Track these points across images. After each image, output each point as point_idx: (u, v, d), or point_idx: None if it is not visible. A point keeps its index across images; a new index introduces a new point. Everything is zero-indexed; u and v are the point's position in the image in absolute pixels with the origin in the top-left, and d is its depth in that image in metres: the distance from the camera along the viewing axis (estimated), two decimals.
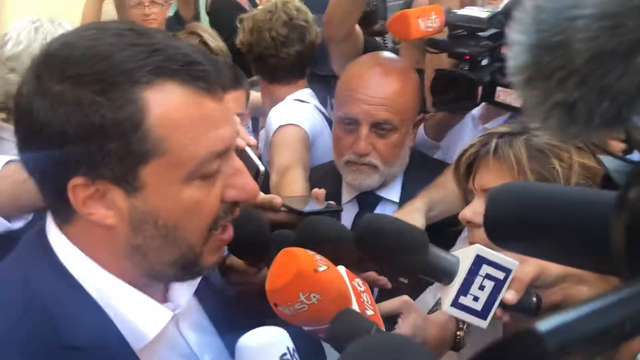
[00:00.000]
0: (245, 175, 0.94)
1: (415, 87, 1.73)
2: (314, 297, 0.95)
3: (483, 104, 1.85)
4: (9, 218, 1.48)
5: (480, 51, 1.58)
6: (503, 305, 1.01)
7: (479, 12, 1.58)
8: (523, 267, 1.01)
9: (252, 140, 1.31)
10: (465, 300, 0.98)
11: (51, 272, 0.89)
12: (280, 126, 2.04)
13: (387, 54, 1.84)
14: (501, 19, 1.64)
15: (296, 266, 0.95)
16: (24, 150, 0.88)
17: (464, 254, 1.00)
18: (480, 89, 1.60)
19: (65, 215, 0.89)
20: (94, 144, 0.81)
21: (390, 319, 1.24)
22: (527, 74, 0.66)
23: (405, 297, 1.25)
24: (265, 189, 1.62)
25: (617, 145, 1.22)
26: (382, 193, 1.75)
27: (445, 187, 1.57)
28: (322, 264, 0.99)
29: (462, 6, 1.75)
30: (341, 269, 1.09)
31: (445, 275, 0.99)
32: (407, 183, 1.76)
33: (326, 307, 0.97)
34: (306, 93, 2.32)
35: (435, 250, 1.00)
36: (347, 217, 1.76)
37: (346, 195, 1.77)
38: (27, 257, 0.93)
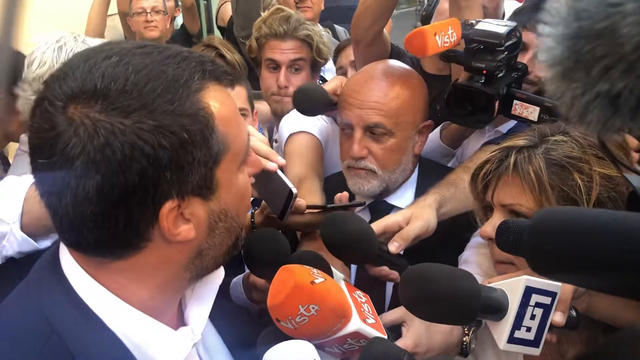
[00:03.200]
0: (252, 152, 1.02)
1: (414, 93, 1.71)
2: (313, 308, 0.99)
3: None
4: (36, 238, 1.50)
5: (496, 66, 1.57)
6: (550, 327, 1.02)
7: (497, 26, 1.58)
8: (563, 286, 1.02)
9: (282, 161, 1.32)
10: (520, 334, 0.98)
11: (67, 303, 0.88)
12: (291, 134, 2.04)
13: (391, 62, 1.84)
14: (518, 28, 1.64)
15: (293, 280, 1.00)
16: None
17: (509, 287, 0.99)
18: (497, 103, 1.60)
19: (121, 252, 0.86)
20: (187, 159, 0.82)
21: (394, 328, 1.27)
22: (564, 66, 0.64)
23: None
24: None
25: (635, 156, 1.22)
26: (394, 201, 1.76)
27: (456, 185, 1.58)
28: (318, 276, 1.04)
29: (485, 16, 1.73)
30: (341, 282, 1.11)
31: (495, 312, 0.98)
32: (420, 191, 1.75)
33: (326, 317, 1.01)
34: None
35: (484, 289, 0.99)
36: None
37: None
38: (41, 287, 0.91)
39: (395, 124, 1.66)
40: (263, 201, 1.46)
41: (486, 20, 1.62)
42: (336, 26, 3.41)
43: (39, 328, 0.85)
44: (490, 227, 1.29)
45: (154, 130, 0.79)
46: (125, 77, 0.80)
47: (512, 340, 0.98)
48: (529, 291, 0.97)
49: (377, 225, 1.38)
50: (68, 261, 0.90)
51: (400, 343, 1.25)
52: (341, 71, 2.82)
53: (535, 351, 1.00)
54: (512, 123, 1.83)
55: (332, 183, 1.85)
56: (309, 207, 1.41)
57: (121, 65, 0.82)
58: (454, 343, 1.28)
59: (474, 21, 1.64)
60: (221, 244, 0.93)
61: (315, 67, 2.46)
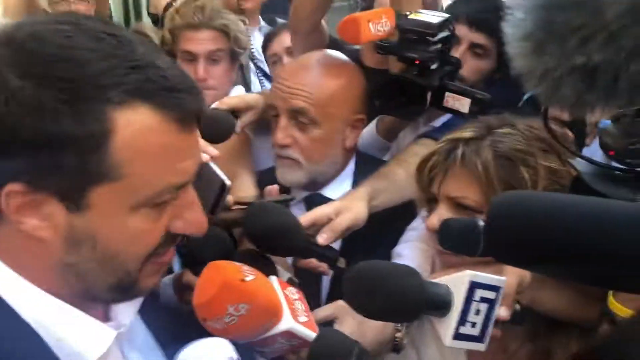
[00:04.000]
0: (197, 209, 0.90)
1: (347, 85, 1.68)
2: (243, 307, 0.95)
3: None
4: None
5: (430, 56, 1.57)
6: (495, 321, 1.01)
7: (431, 17, 1.58)
8: (507, 280, 1.01)
9: (214, 152, 1.26)
10: (465, 330, 0.97)
11: None
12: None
13: (330, 52, 1.80)
14: (451, 21, 1.64)
15: (222, 277, 0.95)
16: None
17: (454, 282, 0.97)
18: (429, 94, 1.60)
19: None
20: (46, 154, 0.74)
21: (327, 325, 1.24)
22: (536, 39, 0.60)
23: (341, 302, 1.23)
24: None
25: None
26: (330, 194, 1.72)
27: (388, 178, 1.57)
28: (249, 274, 0.99)
29: (425, 7, 1.73)
30: (273, 279, 1.08)
31: (440, 308, 0.97)
32: (357, 184, 1.73)
33: (256, 317, 0.97)
34: (238, 90, 2.32)
35: (428, 285, 0.97)
36: None
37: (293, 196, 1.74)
38: None
39: (323, 114, 1.61)
40: None
41: (420, 11, 1.62)
42: (278, 19, 3.37)
43: None
44: (436, 219, 1.28)
45: (29, 106, 0.73)
46: (51, 44, 0.75)
47: (457, 336, 0.96)
48: (473, 286, 0.96)
49: (306, 218, 1.35)
50: None
51: None
52: (275, 58, 2.76)
53: (481, 347, 0.99)
54: (445, 117, 1.83)
55: (266, 177, 1.81)
56: (236, 203, 1.36)
57: (60, 34, 0.76)
58: (386, 340, 1.27)
59: (408, 12, 1.63)
60: (95, 274, 0.84)
61: (234, 57, 2.38)
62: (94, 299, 0.88)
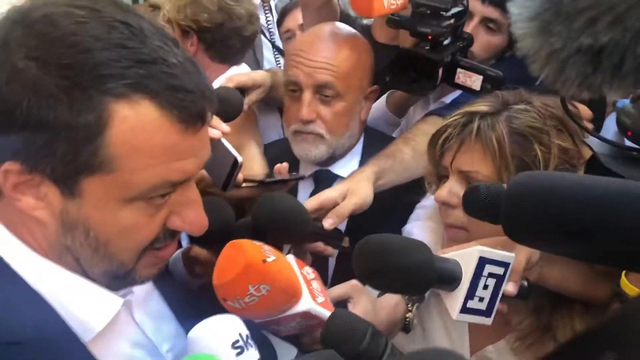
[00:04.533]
0: (198, 208, 0.89)
1: (363, 56, 1.68)
2: (264, 288, 0.95)
3: None
4: None
5: (442, 31, 1.56)
6: (501, 297, 1.02)
7: None
8: (517, 256, 1.02)
9: (226, 128, 1.25)
10: (472, 304, 0.98)
11: None
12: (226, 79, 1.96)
13: (339, 24, 1.78)
14: None
15: (244, 258, 0.94)
16: None
17: (463, 257, 0.98)
18: (440, 70, 1.59)
19: None
20: (41, 138, 0.73)
21: (340, 304, 1.25)
22: (542, 19, 0.59)
23: (354, 282, 1.25)
24: None
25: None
26: (339, 171, 1.72)
27: (395, 157, 1.57)
28: (270, 254, 0.99)
29: None
30: (290, 258, 1.08)
31: (449, 283, 0.97)
32: (364, 161, 1.72)
33: (276, 297, 0.98)
34: (242, 68, 2.27)
35: (438, 260, 0.97)
36: (303, 195, 1.73)
37: (302, 173, 1.73)
38: None
39: (345, 87, 1.62)
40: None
41: None
42: None
43: None
44: (445, 191, 1.28)
45: (31, 86, 0.73)
46: (60, 28, 0.74)
47: (464, 310, 0.97)
48: (482, 262, 0.97)
49: (312, 202, 1.35)
50: None
51: None
52: (289, 34, 2.74)
53: (487, 321, 1.00)
54: (455, 94, 1.82)
55: (274, 151, 1.80)
56: (246, 180, 1.36)
57: (72, 18, 0.75)
58: (397, 319, 1.28)
59: None
60: (90, 260, 0.84)
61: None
62: (92, 280, 0.88)
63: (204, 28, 2.14)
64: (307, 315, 1.02)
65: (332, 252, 1.36)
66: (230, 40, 2.17)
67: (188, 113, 0.78)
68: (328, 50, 1.62)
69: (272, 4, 3.12)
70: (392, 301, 1.27)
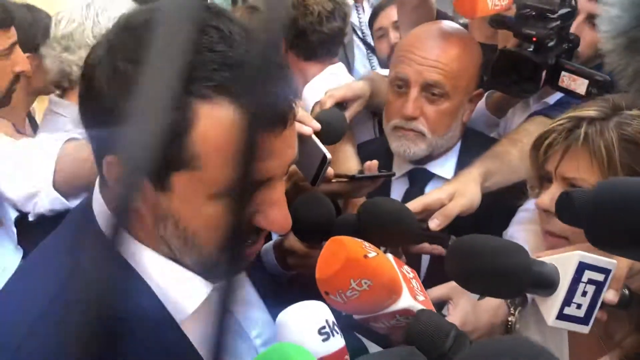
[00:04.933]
0: (281, 209, 0.92)
1: (474, 58, 1.67)
2: (365, 283, 0.96)
3: None
4: (67, 196, 1.52)
5: (548, 34, 1.52)
6: (601, 304, 0.99)
7: None
8: (618, 263, 0.98)
9: (317, 126, 1.29)
10: (569, 310, 0.95)
11: (93, 241, 0.88)
12: (317, 102, 1.96)
13: (450, 23, 1.78)
14: None
15: (345, 253, 0.96)
16: (81, 115, 0.88)
17: (562, 262, 0.96)
18: (544, 73, 1.55)
19: (104, 183, 0.90)
20: None
21: (440, 305, 1.24)
22: (630, 36, 0.59)
23: (454, 283, 1.23)
24: None
25: None
26: (435, 170, 1.72)
27: (501, 158, 1.54)
28: (370, 250, 1.00)
29: None
30: (390, 257, 1.09)
31: (546, 287, 0.95)
32: (462, 161, 1.71)
33: (377, 293, 0.98)
34: (339, 67, 2.28)
35: (536, 263, 0.95)
36: (397, 194, 1.74)
37: (397, 171, 1.73)
38: (70, 228, 0.95)
39: (453, 87, 1.61)
40: (290, 168, 1.44)
41: None
42: None
43: (66, 264, 0.87)
44: (548, 198, 1.25)
45: (127, 85, 0.79)
46: (151, 30, 0.80)
47: (561, 316, 0.95)
48: (582, 267, 0.94)
49: (418, 203, 1.34)
50: (99, 204, 0.93)
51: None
52: (381, 32, 2.74)
53: (585, 329, 0.97)
54: (559, 94, 1.76)
55: (367, 150, 1.81)
56: (337, 175, 1.38)
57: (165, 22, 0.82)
58: (499, 323, 1.26)
59: None
60: (181, 250, 0.90)
61: None
62: (193, 268, 0.93)
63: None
64: (407, 312, 1.02)
65: (441, 250, 1.35)
66: (307, 36, 2.18)
67: (269, 116, 0.81)
68: (440, 48, 1.61)
69: (366, 4, 3.13)
70: (493, 304, 1.25)
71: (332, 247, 0.98)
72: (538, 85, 1.57)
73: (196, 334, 0.93)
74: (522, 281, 0.93)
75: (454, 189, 1.40)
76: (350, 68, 2.77)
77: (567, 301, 0.94)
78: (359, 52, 2.93)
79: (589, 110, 1.24)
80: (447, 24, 1.73)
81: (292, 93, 0.86)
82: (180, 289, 0.92)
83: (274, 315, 1.01)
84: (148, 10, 0.85)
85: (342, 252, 0.96)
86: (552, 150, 1.26)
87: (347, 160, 1.66)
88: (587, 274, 0.94)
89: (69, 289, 0.85)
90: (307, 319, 0.93)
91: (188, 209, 0.86)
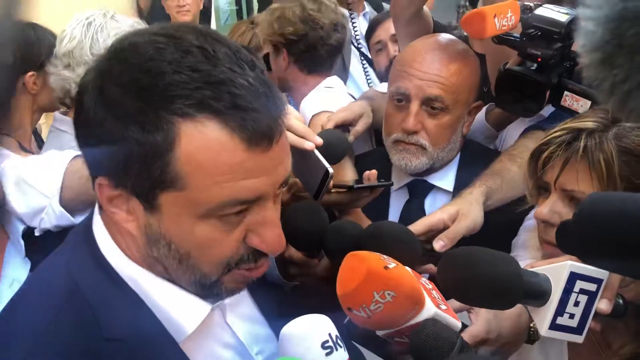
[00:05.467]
0: (274, 228, 0.90)
1: (473, 71, 1.69)
2: (389, 294, 0.93)
3: None
4: (73, 213, 1.50)
5: (552, 54, 1.53)
6: (594, 314, 0.99)
7: (558, 13, 1.53)
8: (610, 273, 0.98)
9: (319, 141, 1.29)
10: (562, 320, 0.95)
11: (92, 263, 0.91)
12: (314, 115, 1.99)
13: (448, 36, 1.80)
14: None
15: (366, 266, 0.94)
16: (76, 137, 0.89)
17: (553, 272, 0.96)
18: (547, 92, 1.56)
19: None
20: (119, 156, 0.81)
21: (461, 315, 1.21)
22: (605, 51, 0.60)
23: None
24: None
25: None
26: (435, 181, 1.73)
27: (502, 176, 1.55)
28: (390, 262, 0.98)
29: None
30: (408, 269, 1.08)
31: (538, 298, 0.95)
32: (461, 172, 1.73)
33: (401, 304, 0.96)
34: (334, 80, 2.31)
35: (527, 274, 0.95)
36: (397, 205, 1.75)
37: (396, 182, 1.75)
38: (71, 248, 0.96)
39: (454, 101, 1.63)
40: (291, 180, 1.43)
41: (546, 5, 1.57)
42: (384, 4, 3.33)
43: (64, 285, 0.89)
44: (546, 209, 1.25)
45: (114, 109, 0.80)
46: (138, 54, 0.82)
47: (554, 326, 0.95)
48: (573, 277, 0.94)
49: (421, 224, 1.35)
50: (99, 226, 0.94)
51: (471, 332, 1.22)
52: (380, 45, 2.74)
53: (579, 338, 0.97)
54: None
55: (366, 161, 1.81)
56: (335, 186, 1.38)
57: (146, 46, 0.83)
58: (522, 329, 1.26)
59: (532, 4, 1.59)
60: (176, 270, 0.89)
61: None
62: (187, 287, 0.93)
63: (291, 41, 2.19)
64: None
65: None
66: (317, 50, 2.20)
67: (253, 132, 0.80)
68: (440, 63, 1.63)
69: (362, 18, 3.12)
70: (515, 311, 1.24)
71: (351, 262, 0.96)
72: (541, 105, 1.59)
73: (196, 354, 0.94)
74: (514, 292, 0.93)
75: (456, 210, 1.40)
76: (346, 73, 2.77)
77: (560, 311, 0.94)
78: (355, 60, 2.93)
79: (588, 122, 1.24)
80: (446, 37, 1.74)
81: (277, 110, 0.85)
82: (179, 309, 0.92)
83: (277, 328, 1.01)
84: (134, 34, 0.87)
85: (363, 265, 0.94)
86: (551, 162, 1.26)
87: (344, 171, 1.67)
88: (579, 284, 0.95)
89: (68, 311, 0.86)
90: (310, 333, 0.93)
91: (179, 229, 0.85)
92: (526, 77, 1.57)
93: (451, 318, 1.00)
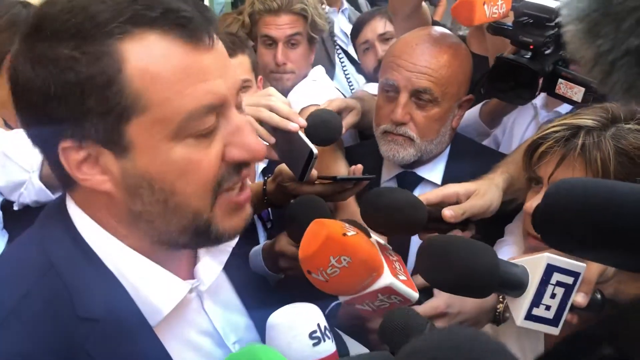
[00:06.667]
0: (248, 132, 0.87)
1: (463, 65, 1.67)
2: (344, 259, 0.98)
3: None
4: (52, 189, 1.52)
5: (545, 42, 1.52)
6: (571, 307, 0.99)
7: (549, 0, 1.52)
8: (588, 267, 0.99)
9: (303, 122, 1.30)
10: (538, 312, 0.96)
11: (68, 240, 0.88)
12: (302, 108, 1.99)
13: (440, 29, 1.78)
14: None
15: (325, 231, 0.99)
16: (18, 117, 0.85)
17: (531, 264, 0.97)
18: (541, 80, 1.56)
19: (67, 182, 0.87)
20: (74, 103, 0.77)
21: (426, 290, 1.24)
22: (590, 20, 0.58)
23: None
24: None
25: None
26: (424, 174, 1.72)
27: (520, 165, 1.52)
28: (350, 229, 1.02)
29: None
30: (373, 239, 1.10)
31: (514, 288, 0.97)
32: (451, 166, 1.72)
33: (357, 270, 1.00)
34: (319, 71, 2.32)
35: (503, 264, 0.96)
36: None
37: (386, 174, 1.75)
38: (46, 225, 0.92)
39: (442, 93, 1.62)
40: (275, 169, 1.43)
41: None
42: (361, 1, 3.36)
43: (39, 262, 0.86)
44: (537, 203, 1.24)
45: (48, 62, 0.78)
46: (55, 5, 0.80)
47: (529, 317, 0.96)
48: (550, 269, 0.95)
49: (434, 194, 1.34)
50: (72, 201, 0.91)
51: (431, 303, 1.24)
52: (367, 45, 2.72)
53: (554, 330, 0.98)
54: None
55: (356, 153, 1.82)
56: (319, 177, 1.38)
57: None
58: (486, 308, 1.26)
59: None
60: (163, 217, 0.85)
61: (311, 41, 2.39)
62: (170, 244, 0.89)
63: None
64: (389, 291, 1.04)
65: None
66: None
67: (191, 33, 0.80)
68: (429, 55, 1.62)
69: (339, 14, 3.13)
70: None
71: (313, 228, 1.01)
72: (534, 92, 1.57)
73: (171, 339, 0.91)
74: (488, 281, 0.94)
75: (474, 188, 1.38)
76: (332, 66, 2.80)
77: (536, 302, 0.95)
78: (337, 57, 2.95)
79: (587, 119, 1.23)
80: (437, 30, 1.73)
81: (206, 10, 0.84)
82: (156, 289, 0.88)
83: (258, 318, 1.01)
84: None
85: (322, 231, 0.98)
86: (548, 156, 1.25)
87: (335, 163, 1.68)
88: (556, 276, 0.96)
89: (41, 287, 0.83)
90: (298, 322, 0.92)
91: (155, 162, 0.81)
92: (519, 64, 1.55)
93: (408, 288, 1.04)
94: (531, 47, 1.53)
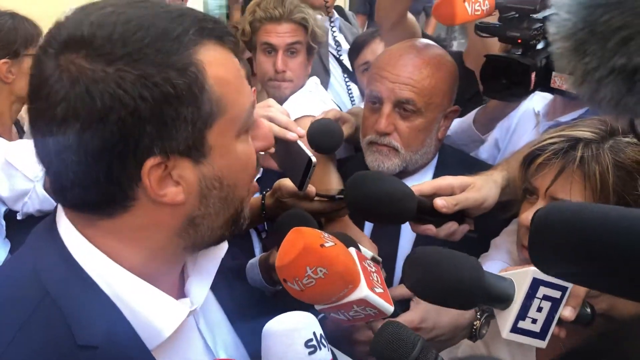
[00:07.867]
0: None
1: (448, 76, 1.66)
2: (321, 271, 0.97)
3: (550, 100, 1.79)
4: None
5: (532, 34, 1.48)
6: (559, 321, 0.98)
7: None
8: None
9: (301, 132, 1.29)
10: (524, 324, 0.96)
11: (61, 265, 0.85)
12: (295, 119, 1.99)
13: (426, 40, 1.78)
14: None
15: (303, 241, 0.98)
16: (69, 142, 0.78)
17: (518, 277, 0.96)
18: (533, 75, 1.51)
19: (108, 210, 0.83)
20: (170, 114, 0.78)
21: (403, 303, 1.24)
22: (577, 38, 0.58)
23: None
24: None
25: None
26: (411, 185, 1.68)
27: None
28: (329, 240, 1.01)
29: None
30: (352, 250, 1.10)
31: (501, 301, 0.96)
32: (438, 177, 1.67)
33: (333, 281, 1.00)
34: (315, 82, 2.34)
35: (490, 277, 0.96)
36: None
37: None
38: (37, 249, 0.89)
39: (426, 104, 1.61)
40: (274, 184, 1.44)
41: None
42: (345, 10, 3.36)
43: (33, 290, 0.84)
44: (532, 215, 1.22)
45: (136, 80, 0.76)
46: (113, 26, 0.78)
47: (515, 330, 0.96)
48: (536, 283, 0.95)
49: (428, 185, 1.33)
50: (64, 223, 0.88)
51: (406, 316, 1.23)
52: (365, 66, 2.70)
53: (541, 344, 0.97)
54: (574, 114, 1.74)
55: (348, 165, 1.80)
56: (318, 195, 1.39)
57: (113, 15, 0.80)
58: (463, 325, 1.24)
59: None
60: (217, 214, 0.89)
61: (310, 51, 2.40)
62: (200, 246, 0.93)
63: None
64: (364, 303, 1.03)
65: (448, 234, 1.34)
66: None
67: (230, 41, 0.88)
68: (412, 66, 1.62)
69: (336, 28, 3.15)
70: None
71: (291, 237, 1.00)
72: (528, 88, 1.52)
73: None
74: (472, 294, 0.94)
75: (470, 181, 1.36)
76: (327, 75, 2.81)
77: (522, 315, 0.95)
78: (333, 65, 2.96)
79: (585, 131, 1.21)
80: (421, 42, 1.72)
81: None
82: (155, 312, 0.87)
83: (257, 328, 0.98)
84: (77, 18, 0.82)
85: (300, 241, 0.98)
86: (546, 168, 1.23)
87: (329, 178, 1.66)
88: (542, 290, 0.95)
89: (38, 317, 0.81)
90: (293, 331, 0.91)
91: (227, 159, 0.87)
92: (510, 60, 1.51)
93: (382, 301, 1.03)
94: (519, 40, 1.49)
